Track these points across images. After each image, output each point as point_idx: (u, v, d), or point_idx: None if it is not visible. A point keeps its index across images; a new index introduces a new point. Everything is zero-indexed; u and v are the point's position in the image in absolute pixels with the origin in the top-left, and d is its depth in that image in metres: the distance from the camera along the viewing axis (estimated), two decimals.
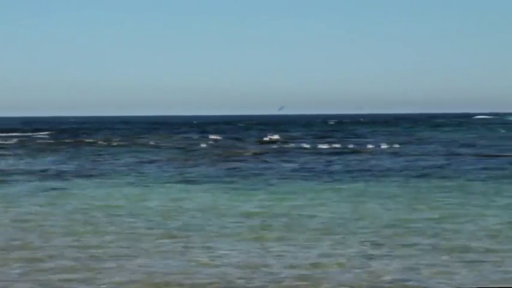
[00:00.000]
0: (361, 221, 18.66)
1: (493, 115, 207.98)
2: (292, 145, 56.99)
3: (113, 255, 14.46)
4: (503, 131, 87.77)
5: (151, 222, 18.69)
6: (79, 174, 33.22)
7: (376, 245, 15.31)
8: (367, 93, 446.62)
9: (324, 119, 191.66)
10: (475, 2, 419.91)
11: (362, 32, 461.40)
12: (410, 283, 12.21)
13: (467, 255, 14.13)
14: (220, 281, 12.40)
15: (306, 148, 53.41)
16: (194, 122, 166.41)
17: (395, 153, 46.12)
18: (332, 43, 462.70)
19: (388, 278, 12.54)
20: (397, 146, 54.35)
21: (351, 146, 55.21)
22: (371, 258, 13.96)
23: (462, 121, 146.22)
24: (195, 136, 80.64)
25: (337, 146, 54.93)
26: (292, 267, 13.37)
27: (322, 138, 72.96)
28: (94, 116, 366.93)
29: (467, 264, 13.42)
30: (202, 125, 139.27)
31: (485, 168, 33.93)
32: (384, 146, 53.53)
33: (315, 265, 13.49)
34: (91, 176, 32.48)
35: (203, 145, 59.01)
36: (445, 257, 13.98)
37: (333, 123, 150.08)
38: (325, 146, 54.38)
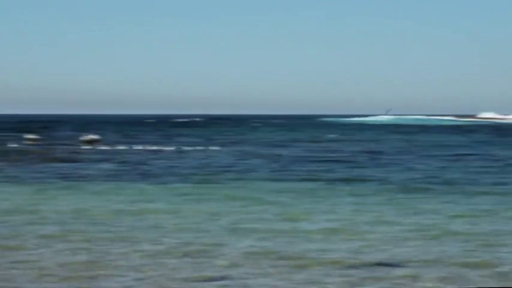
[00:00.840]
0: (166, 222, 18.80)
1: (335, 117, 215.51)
2: (107, 146, 56.31)
3: None
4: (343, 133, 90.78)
5: None
6: None
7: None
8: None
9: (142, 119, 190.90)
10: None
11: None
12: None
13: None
14: None
15: (120, 149, 53.14)
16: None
17: (206, 154, 46.78)
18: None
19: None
20: (216, 148, 55.10)
21: (170, 147, 55.23)
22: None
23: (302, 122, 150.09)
24: (11, 134, 77.90)
25: (153, 147, 54.90)
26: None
27: (133, 137, 73.43)
28: None
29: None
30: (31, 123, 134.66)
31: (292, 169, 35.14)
32: (200, 148, 54.23)
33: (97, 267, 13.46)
34: None
35: (13, 145, 57.26)
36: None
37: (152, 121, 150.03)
38: (140, 147, 54.46)
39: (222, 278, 12.78)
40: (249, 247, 15.43)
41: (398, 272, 13.25)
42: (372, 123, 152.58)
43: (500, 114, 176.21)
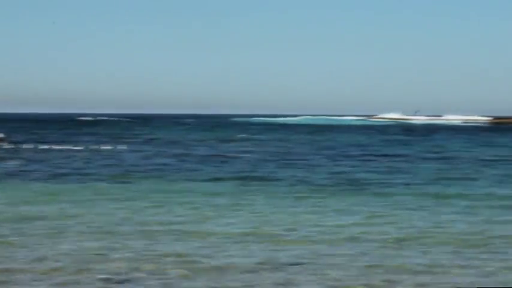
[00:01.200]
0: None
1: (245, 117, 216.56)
2: (12, 145, 54.83)
3: None
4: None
5: None
6: None
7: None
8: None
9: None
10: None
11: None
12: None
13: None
14: None
15: (26, 148, 51.96)
16: None
17: (114, 153, 46.02)
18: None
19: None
20: (124, 147, 54.42)
21: (77, 147, 54.22)
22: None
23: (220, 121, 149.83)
24: None
25: (60, 147, 53.86)
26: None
27: (40, 136, 72.47)
28: None
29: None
30: None
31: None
32: (108, 147, 53.45)
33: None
34: None
35: None
36: None
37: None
38: (46, 147, 53.42)
39: (123, 281, 12.42)
40: (154, 250, 15.08)
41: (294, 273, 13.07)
42: (282, 123, 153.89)
43: (405, 114, 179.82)
